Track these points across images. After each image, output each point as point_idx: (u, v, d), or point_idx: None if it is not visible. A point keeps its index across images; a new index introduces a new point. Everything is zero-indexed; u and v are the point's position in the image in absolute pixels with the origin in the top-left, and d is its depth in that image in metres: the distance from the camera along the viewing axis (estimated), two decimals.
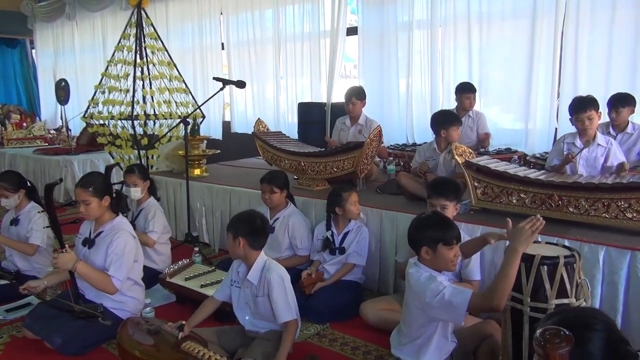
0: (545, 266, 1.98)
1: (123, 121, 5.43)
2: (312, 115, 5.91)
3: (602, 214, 2.67)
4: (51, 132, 8.96)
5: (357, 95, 4.51)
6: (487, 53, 4.97)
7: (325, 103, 6.01)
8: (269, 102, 6.93)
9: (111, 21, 8.78)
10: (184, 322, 2.40)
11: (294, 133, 6.12)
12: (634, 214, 2.58)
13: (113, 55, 5.64)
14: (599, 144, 3.23)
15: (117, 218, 2.79)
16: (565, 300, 1.96)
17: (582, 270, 2.05)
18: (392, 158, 4.46)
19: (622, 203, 2.60)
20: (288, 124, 6.67)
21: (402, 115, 5.68)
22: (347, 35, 6.06)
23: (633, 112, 3.76)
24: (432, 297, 1.94)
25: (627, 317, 2.47)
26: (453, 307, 1.90)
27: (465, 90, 4.61)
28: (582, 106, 3.21)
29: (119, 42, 5.64)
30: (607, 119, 3.79)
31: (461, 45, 5.13)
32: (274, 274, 2.41)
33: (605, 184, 2.63)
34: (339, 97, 5.68)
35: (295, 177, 4.18)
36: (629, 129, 3.75)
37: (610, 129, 3.79)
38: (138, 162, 5.48)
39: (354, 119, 4.61)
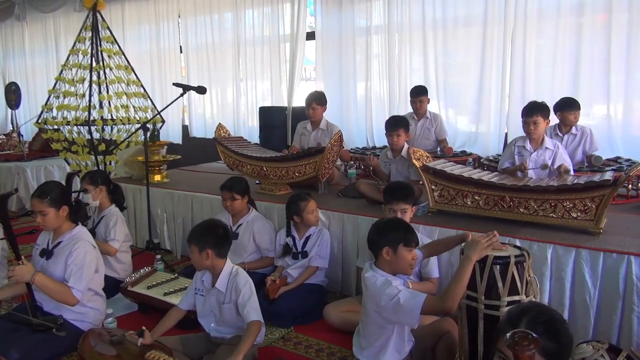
0: (497, 265, 2.09)
1: (79, 126, 5.30)
2: (273, 119, 5.94)
3: (550, 214, 2.83)
4: (1, 137, 8.61)
5: (318, 100, 4.57)
6: (442, 58, 5.16)
7: (286, 107, 6.05)
8: (229, 106, 6.91)
9: (64, 23, 8.52)
10: (143, 327, 2.38)
11: (254, 137, 6.14)
12: (579, 214, 2.75)
13: (67, 59, 5.49)
14: (546, 148, 3.41)
15: (77, 228, 2.74)
16: (516, 297, 2.08)
17: (531, 269, 2.17)
18: (352, 162, 4.54)
19: (568, 203, 2.77)
20: (248, 127, 6.68)
21: (361, 118, 5.79)
22: (307, 39, 6.12)
23: (578, 115, 4.00)
24: (388, 301, 2.02)
25: (573, 311, 2.62)
26: (407, 311, 1.99)
27: (413, 95, 4.78)
28: (529, 111, 3.40)
29: (74, 45, 5.50)
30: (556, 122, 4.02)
31: (417, 50, 5.29)
32: (241, 279, 2.45)
33: (552, 186, 2.79)
34: (300, 101, 5.73)
35: (257, 182, 4.20)
36: (574, 130, 3.98)
37: (557, 132, 4.02)
38: (95, 168, 5.37)
39: (315, 124, 4.67)
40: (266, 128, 5.94)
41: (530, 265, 2.17)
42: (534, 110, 3.38)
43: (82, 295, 2.61)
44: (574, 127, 3.99)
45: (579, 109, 3.98)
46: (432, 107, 5.15)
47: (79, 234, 2.70)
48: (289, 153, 4.17)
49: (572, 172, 3.30)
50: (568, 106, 3.93)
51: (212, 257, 2.39)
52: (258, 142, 5.75)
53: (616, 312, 2.49)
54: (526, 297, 2.11)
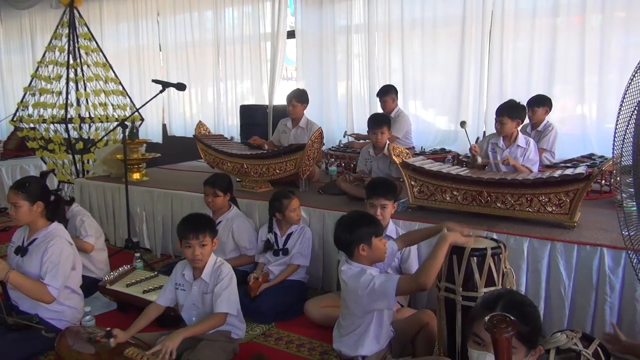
0: (474, 257, 2.13)
1: (56, 125, 5.21)
2: (254, 118, 5.93)
3: (526, 208, 2.89)
4: None
5: (298, 97, 4.58)
6: (421, 57, 5.21)
7: (267, 105, 6.04)
8: (209, 105, 6.88)
9: (40, 20, 8.37)
10: (109, 328, 2.34)
11: (235, 135, 6.12)
12: (554, 208, 2.82)
13: (44, 55, 5.41)
14: (518, 145, 3.50)
15: (53, 225, 2.70)
16: (492, 289, 2.11)
17: (507, 260, 2.22)
18: (333, 159, 4.56)
19: (543, 198, 2.83)
20: (229, 126, 6.66)
21: (341, 117, 5.82)
22: (288, 38, 6.13)
23: (548, 112, 4.12)
24: (364, 288, 2.05)
25: (549, 302, 2.68)
26: (383, 294, 2.02)
27: (379, 95, 4.84)
28: (497, 111, 3.53)
29: (50, 42, 5.42)
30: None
31: (396, 50, 5.34)
32: (225, 269, 2.48)
33: (528, 179, 2.85)
34: (281, 99, 5.73)
35: (238, 179, 4.18)
36: (541, 126, 4.11)
37: (528, 128, 4.13)
38: (73, 166, 5.29)
39: (295, 121, 4.68)
40: (247, 126, 5.92)
41: (507, 257, 2.21)
42: (500, 111, 3.49)
43: (58, 292, 2.57)
44: (542, 124, 4.10)
45: (548, 105, 4.09)
46: (411, 106, 5.22)
47: (54, 231, 2.66)
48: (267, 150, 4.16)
49: (535, 170, 3.39)
50: (536, 102, 4.08)
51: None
52: (239, 140, 5.74)
53: (590, 302, 2.56)
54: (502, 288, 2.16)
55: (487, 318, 1.32)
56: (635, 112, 1.70)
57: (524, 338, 1.46)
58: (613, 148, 1.85)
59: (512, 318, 1.29)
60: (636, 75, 1.71)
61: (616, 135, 1.82)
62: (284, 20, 6.02)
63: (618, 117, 1.78)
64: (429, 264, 2.00)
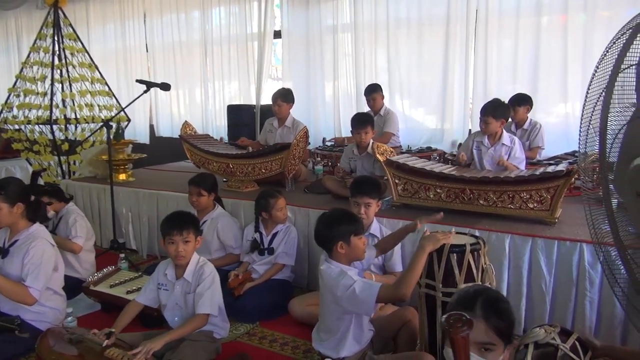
0: (454, 254, 2.15)
1: (41, 126, 5.18)
2: (241, 118, 5.93)
3: (508, 205, 2.91)
4: None
5: (283, 97, 4.58)
6: (407, 57, 5.23)
7: (254, 105, 6.04)
8: (197, 105, 6.86)
9: (26, 21, 8.31)
10: (112, 329, 2.35)
11: (223, 136, 6.11)
12: (535, 204, 2.84)
13: (28, 56, 5.37)
14: (503, 144, 3.52)
15: (34, 226, 2.68)
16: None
17: (486, 256, 2.23)
18: (319, 158, 4.57)
19: (525, 194, 2.85)
20: (217, 126, 6.64)
21: (329, 116, 5.83)
22: (275, 38, 6.13)
23: (529, 110, 4.18)
24: (344, 291, 2.05)
25: (531, 298, 2.70)
26: (363, 301, 2.02)
27: (366, 93, 4.85)
28: (482, 111, 3.55)
29: (35, 42, 5.38)
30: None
31: (383, 49, 5.35)
32: (207, 268, 2.48)
33: (509, 177, 2.87)
34: (269, 99, 5.73)
35: (224, 179, 4.18)
36: (526, 125, 4.14)
37: (512, 127, 4.16)
38: (58, 168, 5.26)
39: (281, 121, 4.68)
40: (234, 126, 5.92)
41: (486, 253, 2.23)
42: (485, 111, 3.52)
43: (40, 294, 2.55)
44: (526, 123, 4.15)
45: (529, 104, 4.14)
46: (398, 105, 5.23)
47: (36, 232, 2.64)
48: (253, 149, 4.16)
49: (522, 168, 3.42)
50: (517, 101, 4.13)
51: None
52: (226, 140, 5.73)
53: (570, 297, 2.58)
54: (482, 284, 2.17)
55: (443, 318, 1.33)
56: (598, 106, 1.74)
57: (503, 334, 1.48)
58: (579, 143, 1.89)
59: (467, 317, 1.30)
60: (598, 68, 1.75)
61: (581, 130, 1.86)
62: (271, 20, 6.03)
63: (582, 113, 1.83)
64: (409, 275, 2.01)
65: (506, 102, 3.67)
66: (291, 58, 5.98)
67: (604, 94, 1.66)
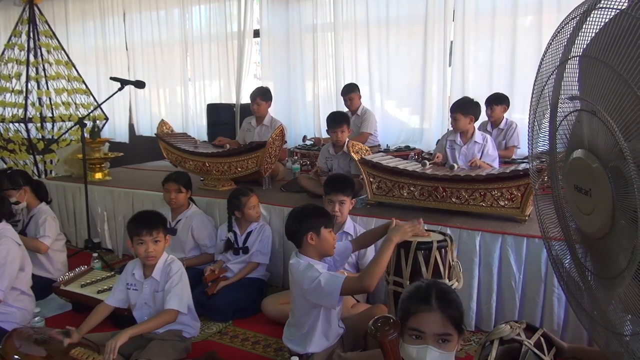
0: (421, 251, 2.16)
1: (16, 124, 5.10)
2: (221, 117, 5.90)
3: (480, 203, 2.93)
4: None
5: (262, 95, 4.56)
6: (387, 56, 5.25)
7: (234, 104, 6.01)
8: (178, 104, 6.81)
9: (3, 18, 8.16)
10: (71, 327, 2.32)
11: (203, 135, 6.07)
12: (506, 202, 2.86)
13: (2, 53, 5.28)
14: (475, 141, 3.55)
15: None
16: (440, 281, 2.14)
17: (454, 253, 2.25)
18: (297, 157, 4.56)
19: (496, 192, 2.87)
20: (198, 125, 6.60)
21: (309, 115, 5.83)
22: (256, 37, 6.10)
23: (506, 109, 4.22)
24: (310, 283, 2.05)
25: (501, 294, 2.72)
26: (328, 292, 2.02)
27: (343, 93, 4.87)
28: (451, 108, 3.60)
29: (10, 39, 5.30)
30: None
31: (362, 49, 5.37)
32: (175, 266, 2.45)
33: (480, 175, 2.89)
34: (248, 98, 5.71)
35: (200, 178, 4.15)
36: (502, 124, 4.18)
37: (488, 126, 4.20)
38: (34, 167, 5.18)
39: (259, 119, 4.66)
40: (214, 125, 5.88)
41: (454, 250, 2.24)
42: (453, 108, 3.58)
43: (4, 294, 2.50)
44: (502, 122, 4.19)
45: (506, 103, 4.18)
46: (377, 104, 5.24)
47: (1, 231, 2.59)
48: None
49: (496, 166, 3.44)
50: (494, 100, 4.18)
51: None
52: (206, 140, 5.69)
53: (539, 294, 2.60)
54: (449, 280, 2.19)
55: (371, 322, 1.33)
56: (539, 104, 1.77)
57: (457, 324, 1.51)
58: (528, 137, 1.96)
59: (394, 319, 1.31)
60: (543, 62, 1.78)
61: (528, 122, 1.94)
62: (251, 19, 6.00)
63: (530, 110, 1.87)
64: (374, 266, 2.02)
65: (477, 100, 3.68)
66: (271, 57, 5.96)
67: (548, 83, 1.70)
